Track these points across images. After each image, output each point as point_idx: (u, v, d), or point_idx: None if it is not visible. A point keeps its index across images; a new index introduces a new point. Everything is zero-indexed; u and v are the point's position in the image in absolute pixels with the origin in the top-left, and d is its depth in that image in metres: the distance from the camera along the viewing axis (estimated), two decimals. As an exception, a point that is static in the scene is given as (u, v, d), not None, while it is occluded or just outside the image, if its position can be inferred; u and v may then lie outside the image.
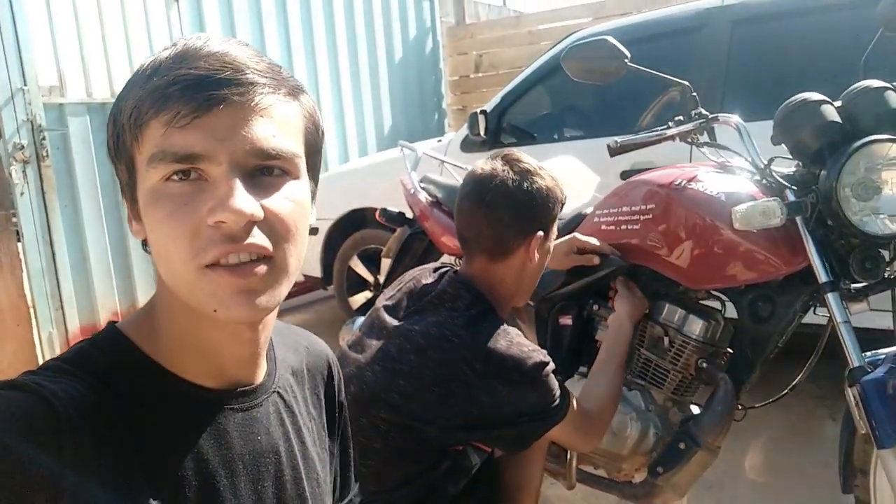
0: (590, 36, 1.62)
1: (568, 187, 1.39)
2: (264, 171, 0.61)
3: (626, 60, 1.56)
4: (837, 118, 1.33)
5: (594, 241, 1.64)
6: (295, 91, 0.65)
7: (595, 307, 1.74)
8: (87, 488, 0.54)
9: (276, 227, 0.60)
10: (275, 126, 0.61)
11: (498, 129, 3.29)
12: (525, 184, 1.29)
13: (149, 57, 0.62)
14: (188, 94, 0.57)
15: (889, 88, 1.34)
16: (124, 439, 0.59)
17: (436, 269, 1.41)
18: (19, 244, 3.27)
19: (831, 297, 1.32)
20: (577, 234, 1.66)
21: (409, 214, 2.71)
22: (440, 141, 3.73)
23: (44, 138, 3.34)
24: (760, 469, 2.28)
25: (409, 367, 1.21)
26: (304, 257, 0.66)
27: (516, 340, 1.23)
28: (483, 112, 3.20)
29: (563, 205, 1.35)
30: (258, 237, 0.59)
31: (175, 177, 0.58)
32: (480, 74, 6.00)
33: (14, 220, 3.27)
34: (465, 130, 3.36)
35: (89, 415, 0.56)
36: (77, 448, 0.55)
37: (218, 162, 0.58)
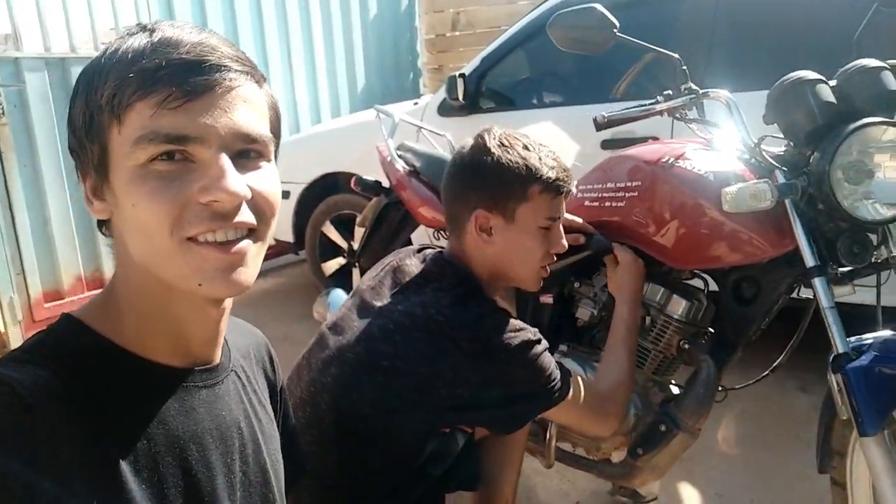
0: (575, 1, 1.55)
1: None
2: (243, 153, 0.65)
3: (614, 31, 1.50)
4: (833, 99, 1.29)
5: (579, 219, 1.59)
6: (261, 79, 0.69)
7: (576, 285, 1.71)
8: (64, 484, 0.55)
9: (260, 205, 0.66)
10: (254, 111, 0.66)
11: (477, 94, 3.19)
12: (486, 157, 1.24)
13: (117, 39, 0.64)
14: (180, 78, 0.60)
15: (885, 69, 1.29)
16: (97, 421, 0.60)
17: (419, 250, 1.37)
18: (-24, 206, 3.14)
19: (818, 283, 1.29)
20: (561, 212, 1.61)
21: (386, 183, 2.64)
22: (416, 104, 3.62)
23: (-1, 95, 3.17)
24: (732, 441, 2.31)
25: (394, 348, 1.17)
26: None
27: (504, 319, 1.20)
28: (462, 75, 3.11)
29: (543, 187, 1.25)
30: (245, 214, 0.64)
31: (161, 157, 0.60)
32: (457, 33, 5.83)
33: (-30, 180, 3.12)
34: (442, 93, 3.27)
35: (58, 400, 0.58)
36: (51, 433, 0.55)
37: (208, 144, 0.61)
